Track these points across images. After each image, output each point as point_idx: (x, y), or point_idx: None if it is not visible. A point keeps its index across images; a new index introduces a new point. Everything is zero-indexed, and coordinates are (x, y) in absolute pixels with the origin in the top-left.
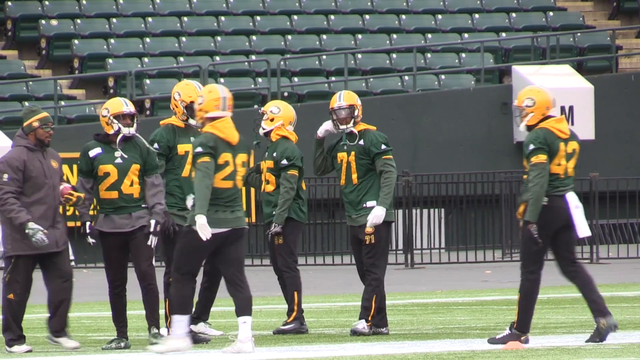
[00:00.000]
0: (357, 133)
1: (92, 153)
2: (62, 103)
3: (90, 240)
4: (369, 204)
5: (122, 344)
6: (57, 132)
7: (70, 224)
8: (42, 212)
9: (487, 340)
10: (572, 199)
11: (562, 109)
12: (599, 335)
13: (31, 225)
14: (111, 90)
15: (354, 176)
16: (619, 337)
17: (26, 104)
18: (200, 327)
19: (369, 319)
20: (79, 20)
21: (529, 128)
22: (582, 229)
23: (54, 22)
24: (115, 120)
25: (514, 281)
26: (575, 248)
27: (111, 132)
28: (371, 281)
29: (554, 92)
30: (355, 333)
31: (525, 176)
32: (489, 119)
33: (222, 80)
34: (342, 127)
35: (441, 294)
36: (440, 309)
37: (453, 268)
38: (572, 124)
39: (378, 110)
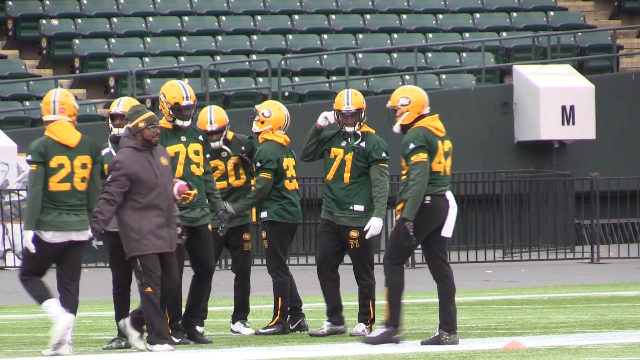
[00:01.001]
0: (360, 135)
1: (102, 153)
2: None
3: (95, 243)
4: (356, 207)
5: (123, 343)
6: None
7: None
8: (156, 213)
9: (363, 340)
10: (451, 198)
11: (563, 108)
12: (436, 343)
13: (94, 243)
14: (112, 90)
15: (347, 175)
16: (619, 336)
17: (27, 103)
18: (237, 327)
19: (368, 322)
20: (79, 20)
21: (404, 128)
22: (449, 229)
23: (54, 21)
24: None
25: (515, 281)
26: (447, 248)
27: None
28: (363, 289)
29: (555, 91)
30: (355, 335)
31: (404, 177)
32: (489, 118)
33: (222, 80)
34: (348, 129)
35: None
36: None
37: (454, 267)
38: (573, 123)
39: (379, 110)
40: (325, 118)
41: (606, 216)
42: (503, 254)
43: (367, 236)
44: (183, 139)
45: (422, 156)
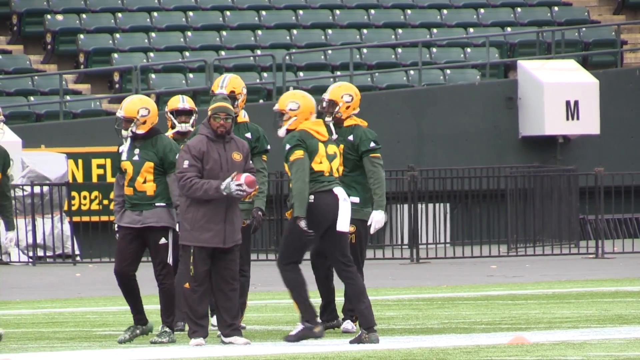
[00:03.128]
0: (332, 128)
1: (120, 149)
2: (68, 98)
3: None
4: (352, 199)
5: (138, 331)
6: (62, 127)
7: (76, 218)
8: (212, 204)
9: (284, 338)
10: (340, 192)
11: (568, 103)
12: (358, 342)
13: (223, 185)
14: (116, 85)
15: (340, 168)
16: (624, 331)
17: (31, 98)
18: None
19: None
20: (84, 15)
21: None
22: (343, 223)
23: (59, 16)
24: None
25: (520, 276)
26: (348, 250)
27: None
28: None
29: (559, 86)
30: (346, 332)
31: (290, 184)
32: (494, 113)
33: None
34: (327, 118)
35: (446, 288)
36: (445, 303)
37: (458, 263)
38: (577, 118)
39: (383, 105)
40: None
41: (610, 211)
42: (507, 249)
43: (371, 231)
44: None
45: (298, 153)
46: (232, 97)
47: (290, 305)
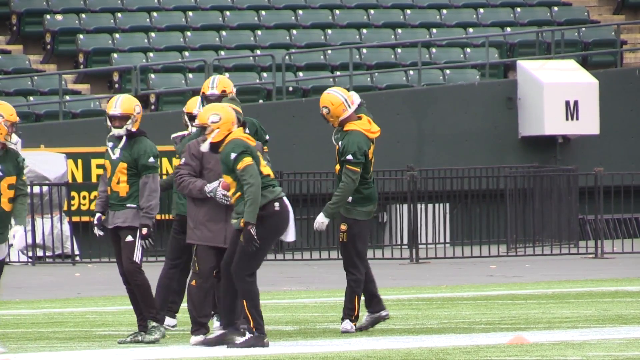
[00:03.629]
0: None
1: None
2: (67, 98)
3: (97, 232)
4: (349, 198)
5: (140, 337)
6: (62, 127)
7: (75, 218)
8: (213, 203)
9: (228, 346)
10: (287, 201)
11: (567, 103)
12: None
13: (207, 187)
14: (116, 85)
15: (337, 167)
16: (623, 331)
17: (31, 98)
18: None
19: (353, 318)
20: (84, 15)
21: (213, 146)
22: (292, 233)
23: (59, 16)
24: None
25: (520, 276)
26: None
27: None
28: (350, 282)
29: (559, 86)
30: (345, 332)
31: (237, 194)
32: (494, 113)
33: (227, 74)
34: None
35: (446, 288)
36: (445, 303)
37: (458, 263)
38: (577, 118)
39: (383, 105)
40: None
41: (610, 211)
42: (507, 249)
43: (314, 227)
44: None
45: (247, 160)
46: (223, 96)
47: (290, 305)
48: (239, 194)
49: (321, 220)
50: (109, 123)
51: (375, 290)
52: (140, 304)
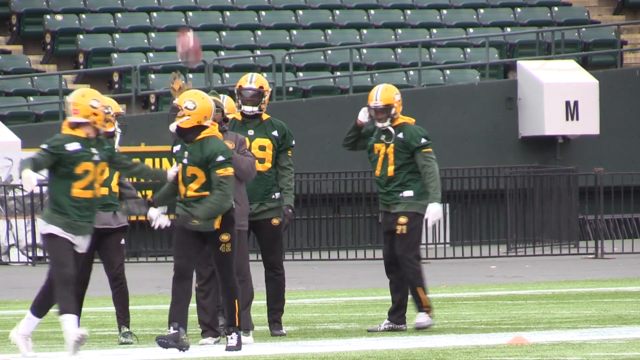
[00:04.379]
0: (392, 131)
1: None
2: (67, 98)
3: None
4: (405, 193)
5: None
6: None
7: None
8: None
9: (156, 338)
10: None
11: (567, 104)
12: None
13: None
14: (116, 85)
15: (391, 168)
16: (623, 331)
17: (31, 99)
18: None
19: (424, 309)
20: (84, 15)
21: (182, 131)
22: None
23: (59, 17)
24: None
25: (519, 276)
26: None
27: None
28: (409, 275)
29: (559, 87)
30: (419, 328)
31: (204, 192)
32: (494, 114)
33: (227, 75)
34: (379, 124)
35: (446, 288)
36: (445, 303)
37: (458, 263)
38: (577, 119)
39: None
40: (365, 112)
41: (610, 211)
42: (507, 249)
43: (429, 224)
44: (250, 132)
45: (230, 170)
46: (260, 93)
47: (290, 305)
48: (206, 193)
49: (436, 210)
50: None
51: (404, 302)
52: (122, 309)
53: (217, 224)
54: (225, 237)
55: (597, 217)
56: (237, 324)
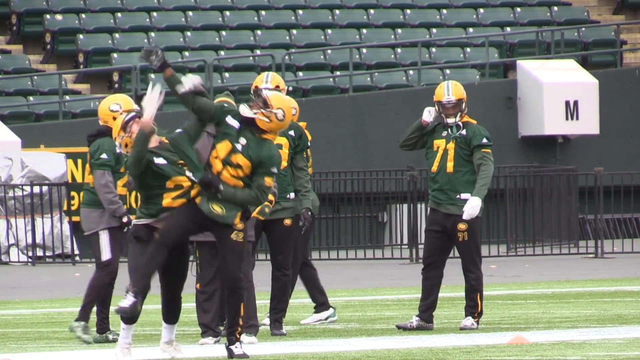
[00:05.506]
0: (461, 125)
1: None
2: (67, 98)
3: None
4: (463, 196)
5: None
6: (62, 127)
7: (75, 218)
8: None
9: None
10: None
11: (567, 103)
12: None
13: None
14: (116, 85)
15: (450, 164)
16: (623, 331)
17: (31, 98)
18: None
19: (475, 315)
20: (83, 15)
21: (250, 121)
22: None
23: (58, 16)
24: None
25: (519, 276)
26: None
27: None
28: (471, 281)
29: (559, 86)
30: (464, 329)
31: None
32: (493, 113)
33: (227, 74)
34: (450, 120)
35: (446, 288)
36: (444, 303)
37: (458, 262)
38: (577, 118)
39: (383, 105)
40: (429, 112)
41: (610, 211)
42: (507, 249)
43: (464, 215)
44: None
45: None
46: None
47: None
48: (240, 183)
49: (475, 204)
50: None
51: (436, 302)
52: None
53: (237, 220)
54: (240, 225)
55: (597, 217)
56: (238, 331)
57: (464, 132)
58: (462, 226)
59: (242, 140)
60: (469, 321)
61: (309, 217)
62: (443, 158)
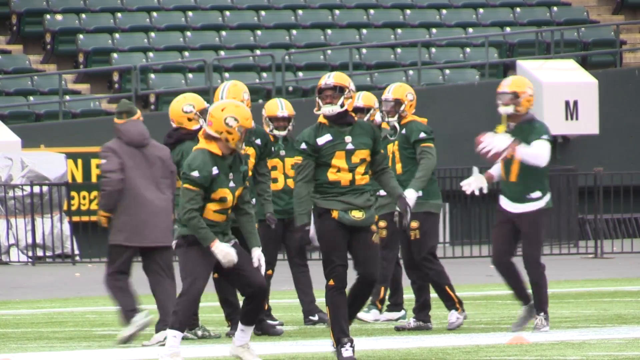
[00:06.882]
0: (397, 127)
1: None
2: (67, 98)
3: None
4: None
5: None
6: (62, 127)
7: (75, 218)
8: None
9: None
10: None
11: (567, 103)
12: None
13: None
14: (116, 85)
15: (398, 166)
16: (623, 331)
17: (31, 98)
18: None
19: (457, 306)
20: (83, 15)
21: (344, 113)
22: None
23: (58, 16)
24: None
25: None
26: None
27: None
28: (433, 278)
29: (558, 86)
30: (452, 329)
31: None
32: (493, 113)
33: (227, 74)
34: (389, 119)
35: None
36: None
37: (457, 262)
38: (577, 118)
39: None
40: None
41: (609, 211)
42: None
43: (399, 209)
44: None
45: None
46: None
47: (290, 305)
48: (367, 177)
49: (411, 196)
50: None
51: (429, 301)
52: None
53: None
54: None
55: (597, 217)
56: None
57: (403, 131)
58: (413, 224)
59: (348, 139)
60: (453, 316)
61: (274, 220)
62: (393, 162)
